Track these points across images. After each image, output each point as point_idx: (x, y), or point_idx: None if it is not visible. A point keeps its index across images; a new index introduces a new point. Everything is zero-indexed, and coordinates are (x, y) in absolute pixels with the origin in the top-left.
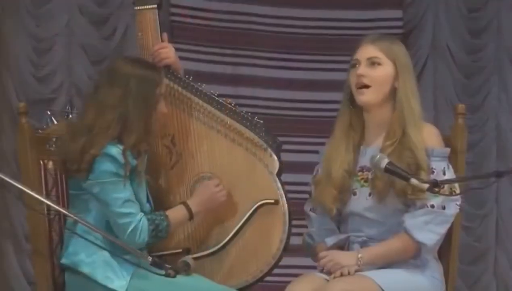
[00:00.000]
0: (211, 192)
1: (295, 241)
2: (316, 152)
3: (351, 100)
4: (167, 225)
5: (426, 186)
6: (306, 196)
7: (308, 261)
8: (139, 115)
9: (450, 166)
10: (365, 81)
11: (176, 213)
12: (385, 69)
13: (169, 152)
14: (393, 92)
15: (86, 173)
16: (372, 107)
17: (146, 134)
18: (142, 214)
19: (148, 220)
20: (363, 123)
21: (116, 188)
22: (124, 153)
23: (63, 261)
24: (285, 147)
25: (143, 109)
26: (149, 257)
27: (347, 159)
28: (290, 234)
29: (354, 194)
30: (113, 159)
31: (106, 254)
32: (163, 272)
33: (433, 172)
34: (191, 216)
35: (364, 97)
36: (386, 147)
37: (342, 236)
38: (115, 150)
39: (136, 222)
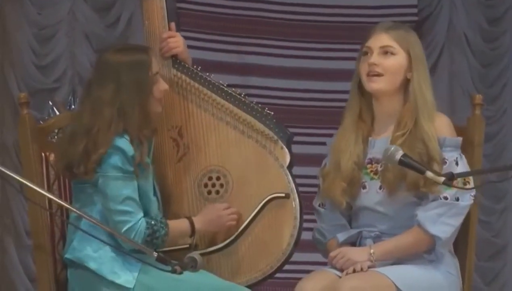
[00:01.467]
0: (218, 215)
1: (306, 236)
2: (322, 143)
3: (361, 89)
4: (165, 234)
5: (442, 179)
6: (317, 189)
7: (319, 257)
8: (135, 102)
9: (463, 156)
10: (378, 70)
11: (177, 225)
12: (398, 59)
13: (176, 144)
14: (404, 83)
15: (94, 172)
16: (382, 96)
17: (146, 120)
18: (142, 215)
19: (147, 223)
20: (373, 114)
21: (119, 183)
22: (132, 144)
23: (67, 256)
24: (296, 138)
25: (138, 96)
26: (154, 253)
27: (356, 150)
28: (301, 229)
29: (364, 187)
30: (121, 151)
31: (112, 250)
32: (169, 268)
33: (445, 163)
34: (192, 232)
35: (376, 85)
36: (397, 138)
37: (354, 232)
38: (123, 141)
39: (134, 222)
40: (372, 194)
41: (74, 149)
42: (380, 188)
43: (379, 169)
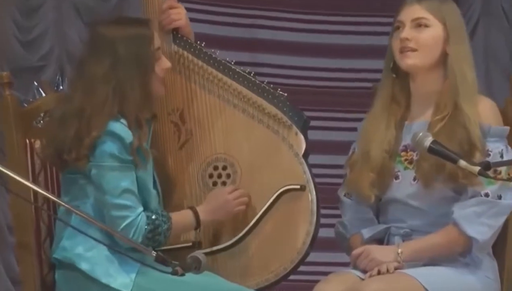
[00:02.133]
0: (224, 200)
1: (324, 233)
2: (350, 129)
3: (394, 68)
4: (167, 228)
5: (477, 169)
6: (337, 180)
7: (339, 257)
8: (135, 80)
9: (510, 148)
10: (411, 45)
11: (181, 218)
12: (433, 32)
13: (177, 129)
14: (443, 58)
15: (87, 160)
16: (418, 73)
17: (146, 100)
18: (142, 209)
19: (148, 218)
20: (408, 95)
21: (116, 173)
22: (130, 128)
23: (56, 256)
24: (313, 123)
25: (138, 73)
26: (153, 252)
27: (388, 136)
28: (318, 225)
29: (396, 177)
30: (117, 137)
31: (105, 249)
32: (169, 269)
33: (488, 155)
34: (197, 224)
35: (410, 60)
36: (435, 123)
37: (381, 227)
38: (119, 126)
39: (133, 217)
40: (405, 186)
41: (65, 133)
42: (414, 179)
43: (415, 157)
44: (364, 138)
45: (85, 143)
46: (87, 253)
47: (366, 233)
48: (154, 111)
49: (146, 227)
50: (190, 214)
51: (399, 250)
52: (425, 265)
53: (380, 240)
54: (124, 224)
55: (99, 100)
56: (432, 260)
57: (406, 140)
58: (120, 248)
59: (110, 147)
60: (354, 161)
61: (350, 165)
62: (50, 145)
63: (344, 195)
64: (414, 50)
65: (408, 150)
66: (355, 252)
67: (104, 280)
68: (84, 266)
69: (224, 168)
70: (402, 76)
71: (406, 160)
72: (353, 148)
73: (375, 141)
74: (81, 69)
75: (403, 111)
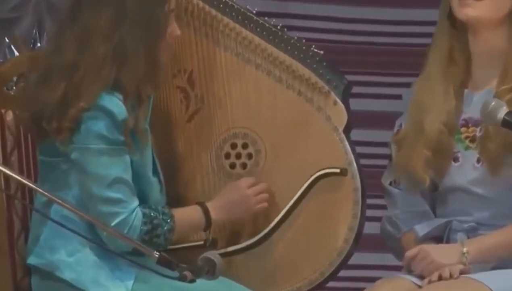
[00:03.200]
0: (242, 196)
1: (371, 229)
2: (398, 97)
3: (452, 21)
4: (169, 229)
5: None
6: (385, 163)
7: (390, 259)
8: (141, 43)
9: None
10: None
11: (186, 216)
12: None
13: (184, 96)
14: None
15: (70, 135)
16: (481, 29)
17: (151, 71)
18: (137, 204)
19: (144, 215)
20: (468, 56)
21: (104, 159)
22: (126, 103)
23: (32, 260)
24: (355, 89)
25: (147, 34)
26: (155, 252)
27: (446, 106)
28: (363, 219)
29: (456, 160)
30: (108, 113)
31: (95, 251)
32: (176, 274)
33: None
34: (208, 224)
35: (471, 11)
36: (503, 92)
37: (439, 222)
38: (112, 100)
39: (126, 214)
40: (466, 169)
41: (48, 95)
42: (478, 162)
43: (478, 133)
44: (417, 107)
45: (70, 114)
46: (71, 258)
47: (421, 229)
48: (158, 86)
49: (142, 227)
50: (198, 212)
51: (464, 249)
52: (494, 268)
53: (439, 237)
54: (114, 223)
55: (97, 59)
56: (504, 262)
57: (467, 112)
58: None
59: (100, 126)
60: (403, 137)
61: (397, 141)
62: (27, 107)
63: (390, 183)
64: None
65: (470, 125)
66: (410, 253)
67: None
68: (67, 274)
69: (245, 146)
70: (460, 31)
71: (467, 137)
72: (398, 124)
73: (431, 111)
74: (74, 18)
75: (462, 75)
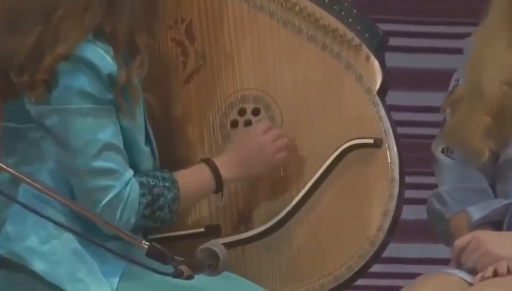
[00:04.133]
0: (258, 144)
1: (410, 214)
2: (450, 51)
3: None
4: (173, 198)
5: None
6: (429, 132)
7: (433, 250)
8: None
9: None
10: None
11: (192, 178)
12: None
13: (182, 52)
14: None
15: (46, 90)
16: None
17: (150, 17)
18: (131, 173)
19: (141, 185)
20: None
21: (89, 121)
22: (116, 55)
23: None
24: (392, 42)
25: None
26: (144, 242)
27: (510, 61)
28: (401, 202)
29: None
30: (92, 68)
31: (73, 239)
32: (170, 269)
33: None
34: (218, 185)
35: None
36: None
37: (499, 204)
38: (96, 53)
39: (120, 186)
40: None
41: (19, 41)
42: None
43: None
44: (475, 63)
45: (46, 63)
46: (44, 246)
47: (476, 211)
48: (156, 34)
49: (140, 199)
50: (205, 171)
51: None
52: None
53: (498, 222)
54: (106, 200)
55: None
56: None
57: None
58: (95, 237)
59: (78, 80)
60: (458, 98)
61: (451, 103)
62: None
63: (442, 151)
64: None
65: None
66: (460, 241)
67: (69, 288)
68: (38, 265)
69: (256, 112)
70: None
71: None
72: (455, 79)
73: (491, 68)
74: None
75: None
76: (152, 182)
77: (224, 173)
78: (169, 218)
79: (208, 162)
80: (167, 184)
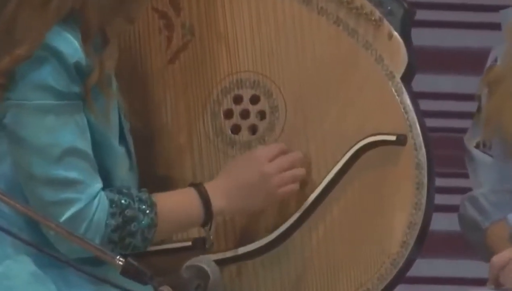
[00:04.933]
0: (261, 172)
1: (440, 223)
2: (486, 26)
3: None
4: (149, 224)
5: None
6: (462, 124)
7: (467, 267)
8: None
9: None
10: None
11: (175, 203)
12: None
13: (165, 25)
14: None
15: (3, 90)
16: None
17: (125, 2)
18: (100, 186)
19: (112, 203)
20: None
21: (50, 119)
22: (85, 43)
23: None
24: (419, 15)
25: None
26: (119, 258)
27: None
28: (430, 210)
29: None
30: (56, 56)
31: (35, 257)
32: (150, 290)
33: None
34: (207, 217)
35: None
36: None
37: None
38: (62, 38)
39: (85, 201)
40: None
41: None
42: None
43: None
44: None
45: (3, 65)
46: None
47: None
48: (134, 18)
49: (107, 221)
50: (192, 198)
51: None
52: None
53: None
54: (67, 215)
55: None
56: None
57: None
58: (61, 255)
59: (40, 71)
60: (497, 79)
61: (490, 83)
62: None
63: (477, 146)
64: None
65: None
66: (499, 257)
67: None
68: None
69: (255, 100)
70: None
71: None
72: (493, 59)
73: None
74: None
75: None
76: (125, 201)
77: (216, 202)
78: (141, 246)
79: (198, 187)
80: (143, 206)
